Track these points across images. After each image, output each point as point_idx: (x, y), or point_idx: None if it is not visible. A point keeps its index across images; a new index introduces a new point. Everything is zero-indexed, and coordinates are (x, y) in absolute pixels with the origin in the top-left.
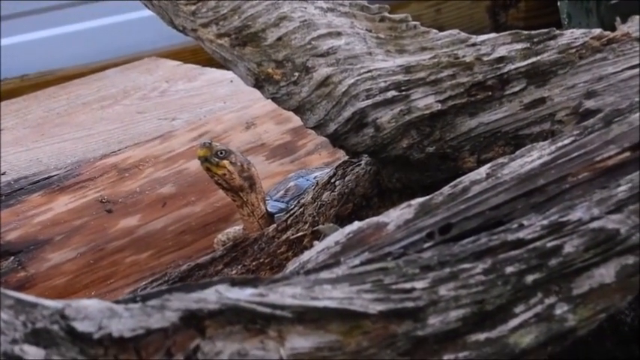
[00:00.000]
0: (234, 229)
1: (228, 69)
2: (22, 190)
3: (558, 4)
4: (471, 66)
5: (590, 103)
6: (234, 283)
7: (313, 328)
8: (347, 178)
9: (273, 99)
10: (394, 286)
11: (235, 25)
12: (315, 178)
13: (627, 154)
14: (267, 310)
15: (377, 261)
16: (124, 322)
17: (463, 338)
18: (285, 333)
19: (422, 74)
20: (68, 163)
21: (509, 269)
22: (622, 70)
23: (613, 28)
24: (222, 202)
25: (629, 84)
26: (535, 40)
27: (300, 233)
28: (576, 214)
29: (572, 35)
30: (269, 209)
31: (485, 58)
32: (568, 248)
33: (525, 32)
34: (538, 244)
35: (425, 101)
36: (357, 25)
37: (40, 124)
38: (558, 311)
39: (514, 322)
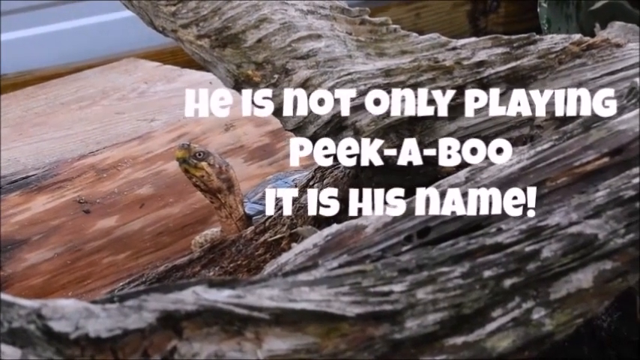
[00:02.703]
0: (212, 231)
1: (207, 70)
2: None
3: (538, 9)
4: (451, 70)
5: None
6: (211, 284)
7: (291, 330)
8: (325, 181)
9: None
10: (372, 289)
11: (215, 27)
12: (293, 180)
13: (606, 159)
14: (245, 311)
15: (355, 264)
16: (101, 322)
17: (440, 342)
18: (262, 335)
19: (402, 78)
20: (46, 163)
21: (487, 273)
22: (601, 76)
23: (592, 34)
24: (200, 203)
25: None
26: (515, 44)
27: (278, 235)
28: (555, 219)
29: (552, 40)
30: (247, 211)
31: (465, 62)
32: (546, 253)
33: (505, 37)
34: (516, 248)
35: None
36: (338, 27)
37: (19, 123)
38: (536, 316)
39: (491, 326)
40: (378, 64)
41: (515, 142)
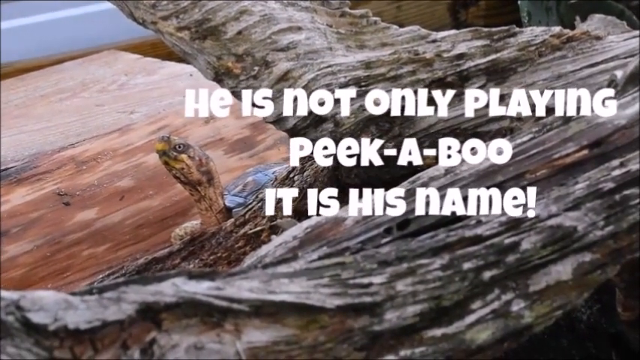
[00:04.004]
0: (192, 224)
1: (187, 63)
2: None
3: (518, 2)
4: (431, 62)
5: (549, 101)
6: (191, 276)
7: (270, 322)
8: (305, 174)
9: (233, 93)
10: (352, 281)
11: (195, 19)
12: (273, 173)
13: (585, 152)
14: (224, 303)
15: (335, 256)
16: (80, 313)
17: (420, 334)
18: (241, 326)
19: (382, 70)
20: (26, 155)
21: (466, 265)
22: (581, 69)
23: (573, 27)
24: (180, 196)
25: (587, 82)
26: (495, 37)
27: (258, 228)
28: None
29: (532, 33)
30: (227, 204)
31: (445, 55)
32: (525, 245)
33: (485, 29)
34: (495, 240)
35: None
36: (318, 20)
37: None
38: (515, 308)
39: (471, 318)
40: (358, 56)
41: (494, 135)
